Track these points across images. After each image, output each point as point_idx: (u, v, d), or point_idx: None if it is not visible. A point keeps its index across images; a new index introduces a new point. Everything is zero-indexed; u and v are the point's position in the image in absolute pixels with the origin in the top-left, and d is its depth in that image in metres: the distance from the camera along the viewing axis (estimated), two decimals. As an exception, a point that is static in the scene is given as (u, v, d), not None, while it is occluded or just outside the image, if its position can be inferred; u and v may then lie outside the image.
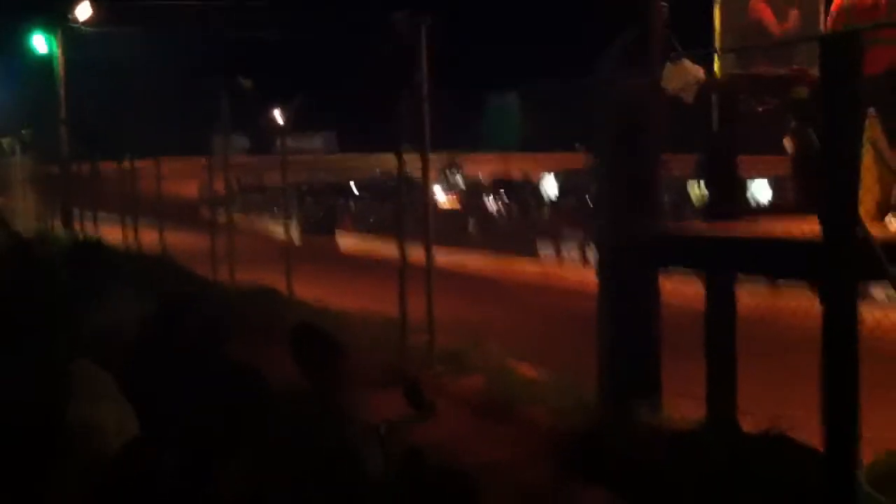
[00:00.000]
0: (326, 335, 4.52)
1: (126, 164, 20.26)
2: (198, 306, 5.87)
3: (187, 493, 3.12)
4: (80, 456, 3.37)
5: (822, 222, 4.80)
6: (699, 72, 6.43)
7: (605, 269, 6.64)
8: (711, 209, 6.46)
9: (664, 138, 6.73)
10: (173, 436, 3.49)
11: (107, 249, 16.72)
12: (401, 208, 10.11)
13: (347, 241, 30.98)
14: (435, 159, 9.88)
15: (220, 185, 16.95)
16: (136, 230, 19.14)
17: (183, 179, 27.70)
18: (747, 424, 5.66)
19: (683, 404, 6.21)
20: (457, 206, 36.06)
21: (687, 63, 6.38)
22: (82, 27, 27.46)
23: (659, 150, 6.65)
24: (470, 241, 26.01)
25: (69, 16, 27.37)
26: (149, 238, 18.54)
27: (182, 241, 18.31)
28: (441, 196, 35.60)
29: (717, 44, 6.68)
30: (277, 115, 15.35)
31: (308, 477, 3.45)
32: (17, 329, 4.15)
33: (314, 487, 3.37)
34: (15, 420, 3.28)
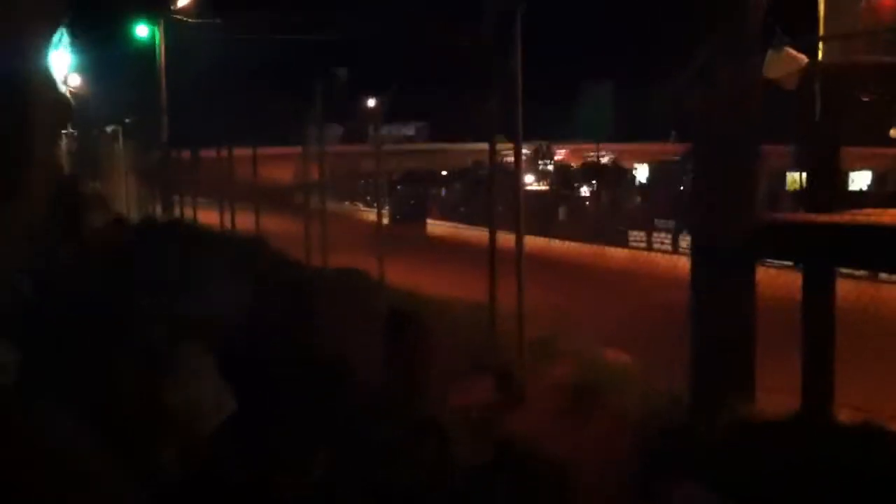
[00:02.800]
0: (420, 327, 4.56)
1: (224, 151, 20.72)
2: (290, 291, 5.99)
3: (281, 470, 3.19)
4: (181, 433, 3.47)
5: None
6: (802, 60, 6.27)
7: (700, 260, 6.53)
8: (812, 200, 6.30)
9: (762, 127, 6.59)
10: (269, 415, 3.57)
11: (205, 234, 17.14)
12: (492, 197, 10.10)
13: (437, 229, 31.14)
14: (527, 148, 9.83)
15: (314, 173, 17.22)
16: (232, 216, 19.56)
17: (278, 167, 28.19)
18: (843, 416, 5.53)
19: (775, 397, 6.10)
20: (547, 193, 35.91)
21: (789, 51, 6.23)
22: (184, 17, 28.10)
23: (757, 139, 6.51)
24: (561, 228, 25.86)
25: (171, 5, 28.04)
26: (245, 222, 18.93)
27: (277, 225, 18.65)
28: (532, 183, 35.50)
29: (821, 31, 6.50)
30: (371, 104, 15.46)
31: (398, 459, 3.50)
32: (123, 309, 4.29)
33: (404, 469, 3.41)
34: (122, 399, 3.38)
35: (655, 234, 22.98)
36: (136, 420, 3.19)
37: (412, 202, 34.67)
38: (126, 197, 27.53)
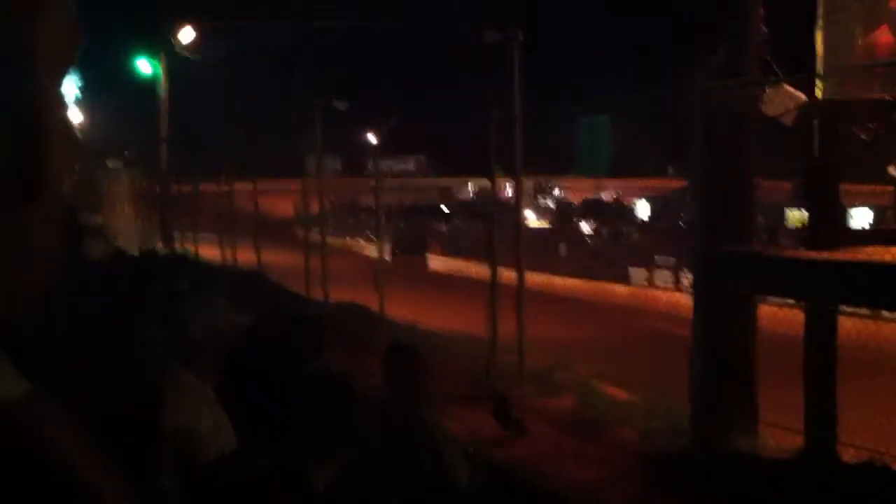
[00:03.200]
0: (418, 354, 4.57)
1: (224, 184, 20.80)
2: (291, 320, 5.97)
3: (282, 502, 3.17)
4: (176, 462, 3.45)
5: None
6: (800, 97, 6.31)
7: (701, 295, 6.54)
8: (812, 237, 6.30)
9: (761, 162, 6.63)
10: (268, 444, 3.55)
11: (204, 264, 17.16)
12: (492, 231, 10.13)
13: (438, 263, 31.16)
14: (527, 182, 9.86)
15: (314, 205, 17.29)
16: (233, 248, 19.59)
17: (278, 199, 28.27)
18: (847, 455, 5.50)
19: (778, 432, 6.08)
20: (548, 228, 35.99)
21: (787, 87, 6.27)
22: (185, 52, 28.26)
23: (753, 169, 6.55)
24: (561, 263, 25.87)
25: (172, 40, 28.22)
26: (245, 256, 18.96)
27: (277, 258, 18.68)
28: (533, 219, 35.58)
29: (818, 68, 6.54)
30: (370, 138, 15.55)
31: (397, 487, 3.48)
32: (119, 335, 4.27)
33: (404, 497, 3.39)
34: (113, 425, 3.35)
35: (655, 269, 23.00)
36: (133, 446, 3.17)
37: (413, 236, 34.71)
38: (127, 231, 27.54)
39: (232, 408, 3.73)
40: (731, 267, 6.18)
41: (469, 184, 56.89)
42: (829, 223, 6.32)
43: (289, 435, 3.18)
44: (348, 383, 3.53)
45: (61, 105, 0.79)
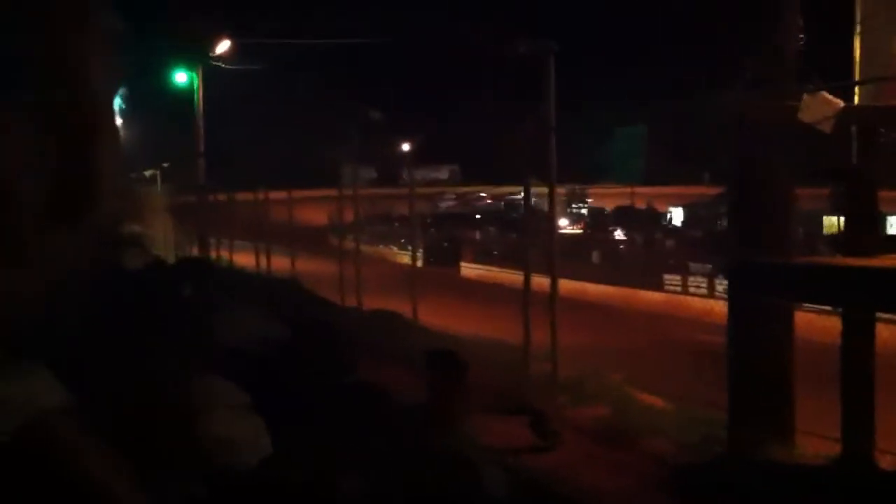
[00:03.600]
0: (457, 360, 4.59)
1: (259, 193, 21.01)
2: (326, 328, 6.02)
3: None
4: (213, 468, 3.49)
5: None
6: (837, 103, 6.26)
7: (736, 303, 6.50)
8: (850, 244, 6.24)
9: (799, 170, 6.58)
10: (303, 452, 3.59)
11: (239, 271, 17.29)
12: (527, 239, 10.14)
13: (470, 270, 31.18)
14: (560, 191, 9.87)
15: (348, 214, 17.42)
16: (268, 257, 19.75)
17: (312, 208, 28.45)
18: (884, 461, 5.45)
19: (815, 440, 6.03)
20: (580, 234, 35.90)
21: (825, 94, 6.22)
22: (223, 64, 28.52)
23: (791, 179, 6.51)
24: (594, 270, 25.80)
25: (210, 53, 28.47)
26: (280, 264, 19.11)
27: (311, 266, 18.80)
28: (566, 227, 35.52)
29: (856, 75, 6.49)
30: (405, 147, 15.62)
31: (430, 496, 3.50)
32: (149, 342, 4.33)
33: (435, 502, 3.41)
34: (135, 430, 3.39)
35: (690, 277, 22.87)
36: (167, 451, 3.21)
37: (445, 245, 34.73)
38: (164, 239, 27.81)
39: (266, 415, 3.76)
40: (765, 276, 6.14)
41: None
42: (866, 230, 6.26)
43: (320, 443, 3.21)
44: (380, 395, 3.56)
45: (112, 115, 0.83)
